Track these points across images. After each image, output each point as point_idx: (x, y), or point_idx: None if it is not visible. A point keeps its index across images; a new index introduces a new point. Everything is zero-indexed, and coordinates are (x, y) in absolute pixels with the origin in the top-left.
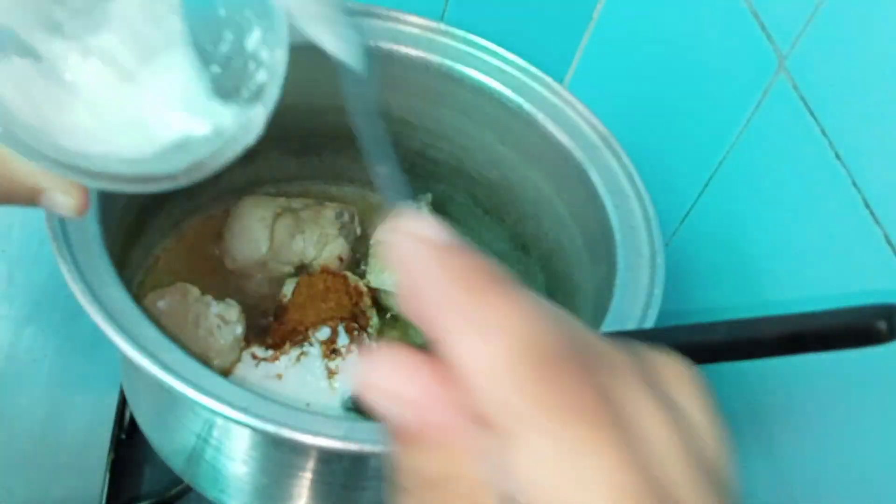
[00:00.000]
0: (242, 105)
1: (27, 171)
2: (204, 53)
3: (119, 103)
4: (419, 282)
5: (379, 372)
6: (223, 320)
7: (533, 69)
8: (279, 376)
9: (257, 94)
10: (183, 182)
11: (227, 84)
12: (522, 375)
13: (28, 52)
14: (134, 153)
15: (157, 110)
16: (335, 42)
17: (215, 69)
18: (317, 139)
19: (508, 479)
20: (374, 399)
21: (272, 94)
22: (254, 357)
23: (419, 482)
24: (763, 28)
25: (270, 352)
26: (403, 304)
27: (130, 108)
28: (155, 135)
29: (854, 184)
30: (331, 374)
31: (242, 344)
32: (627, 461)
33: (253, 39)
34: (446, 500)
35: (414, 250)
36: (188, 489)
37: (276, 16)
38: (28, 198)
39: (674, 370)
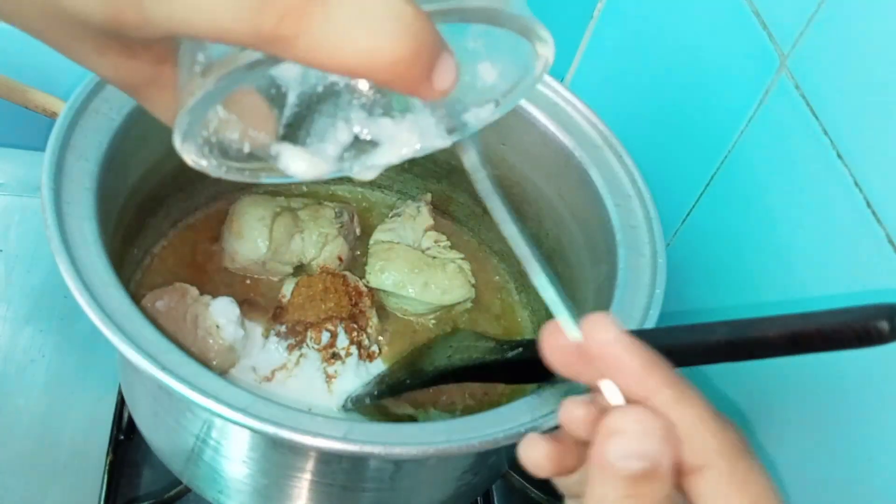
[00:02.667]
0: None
1: None
2: None
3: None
4: (632, 363)
5: (631, 434)
6: (222, 320)
7: None
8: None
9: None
10: None
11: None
12: (718, 430)
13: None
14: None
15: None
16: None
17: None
18: None
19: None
20: (625, 451)
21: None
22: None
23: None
24: (765, 27)
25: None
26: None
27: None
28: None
29: (856, 184)
30: (329, 378)
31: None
32: (769, 478)
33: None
34: None
35: (623, 342)
36: (187, 490)
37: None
38: None
39: None
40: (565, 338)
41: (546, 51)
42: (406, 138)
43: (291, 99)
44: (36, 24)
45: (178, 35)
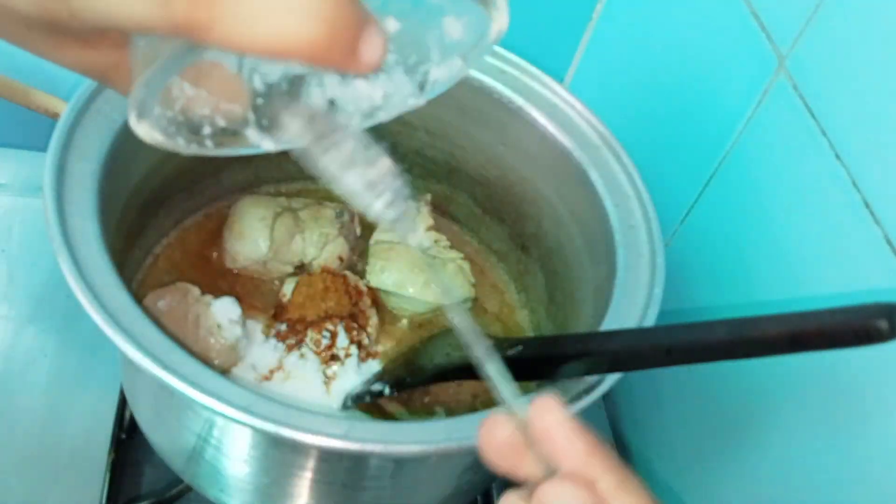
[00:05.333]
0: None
1: None
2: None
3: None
4: (577, 446)
5: None
6: (223, 320)
7: (533, 69)
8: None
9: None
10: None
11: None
12: None
13: None
14: None
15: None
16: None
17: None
18: None
19: None
20: None
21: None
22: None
23: None
24: (763, 28)
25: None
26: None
27: None
28: None
29: (854, 184)
30: (328, 379)
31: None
32: None
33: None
34: None
35: (569, 425)
36: (188, 489)
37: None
38: None
39: None
40: (503, 431)
41: (500, 17)
42: (380, 98)
43: (259, 70)
44: None
45: (105, 27)
